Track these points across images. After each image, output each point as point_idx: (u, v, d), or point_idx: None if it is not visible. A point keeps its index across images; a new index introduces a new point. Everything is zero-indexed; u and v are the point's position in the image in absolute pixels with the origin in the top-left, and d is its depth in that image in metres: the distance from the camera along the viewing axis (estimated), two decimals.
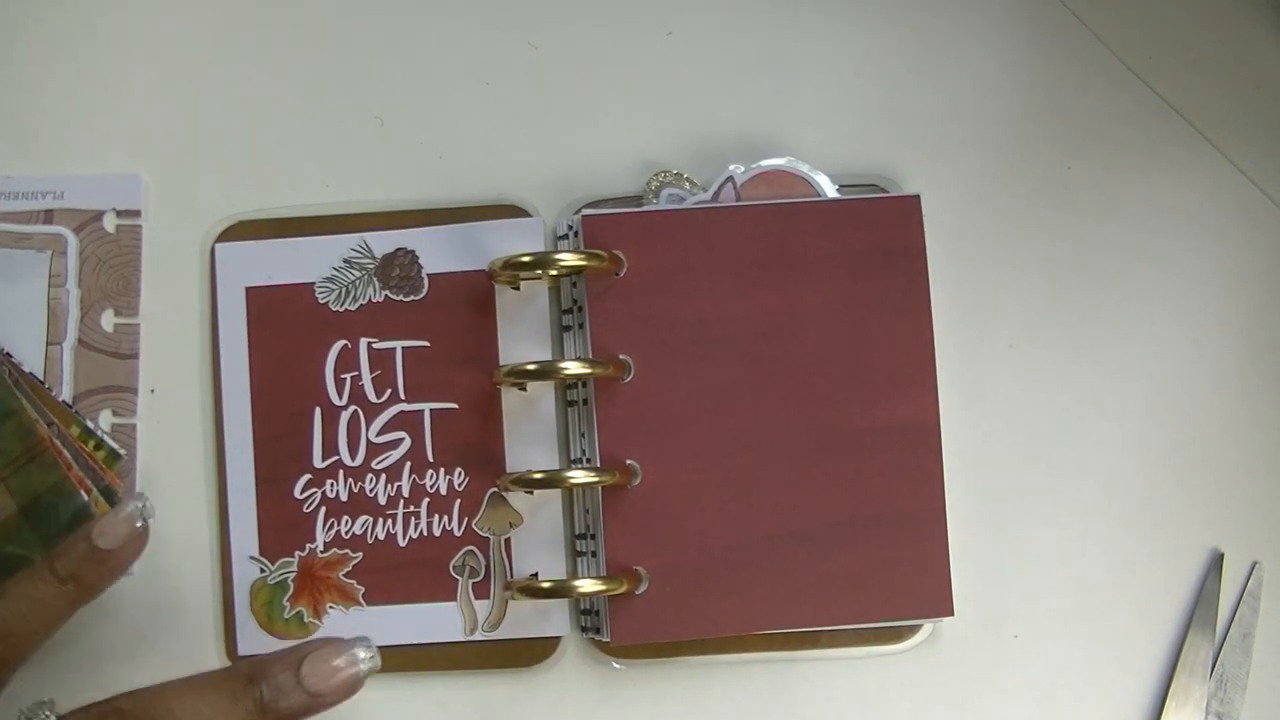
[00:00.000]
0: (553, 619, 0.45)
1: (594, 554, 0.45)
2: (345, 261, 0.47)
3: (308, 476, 0.46)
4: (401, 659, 0.45)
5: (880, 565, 0.44)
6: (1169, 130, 0.49)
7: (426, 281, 0.47)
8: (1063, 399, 0.47)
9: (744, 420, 0.44)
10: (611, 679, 0.46)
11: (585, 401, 0.45)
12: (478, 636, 0.45)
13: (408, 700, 0.45)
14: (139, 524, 0.40)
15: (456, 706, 0.45)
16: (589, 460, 0.45)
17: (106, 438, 0.46)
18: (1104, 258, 0.48)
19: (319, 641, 0.39)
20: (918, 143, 0.48)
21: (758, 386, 0.45)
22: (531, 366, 0.44)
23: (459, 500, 0.46)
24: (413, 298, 0.47)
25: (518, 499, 0.46)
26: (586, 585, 0.43)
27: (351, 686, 0.39)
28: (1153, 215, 0.48)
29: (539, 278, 0.46)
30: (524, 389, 0.46)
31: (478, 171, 0.48)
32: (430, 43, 0.48)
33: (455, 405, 0.46)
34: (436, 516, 0.46)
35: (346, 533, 0.46)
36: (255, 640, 0.45)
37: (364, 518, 0.46)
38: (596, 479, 0.43)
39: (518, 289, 0.46)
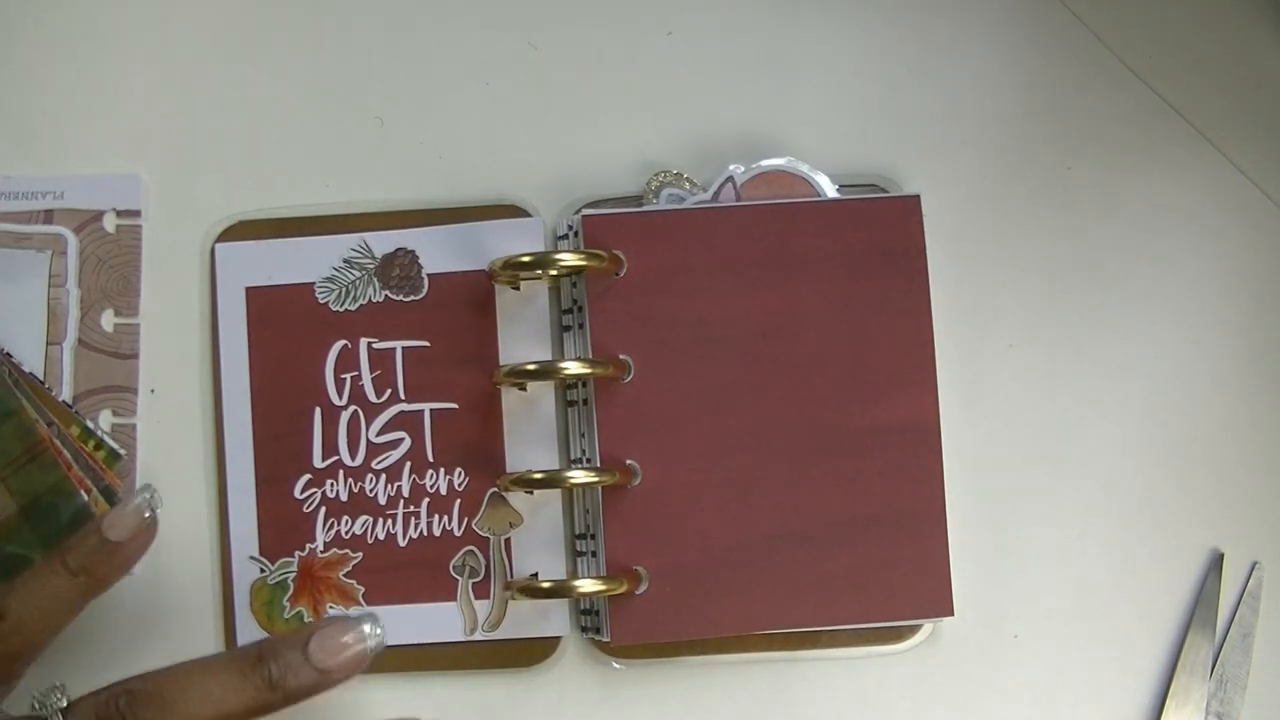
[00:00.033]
0: (553, 619, 0.45)
1: (594, 554, 0.45)
2: (345, 261, 0.47)
3: (308, 476, 0.46)
4: (401, 659, 0.45)
5: (880, 565, 0.44)
6: (1169, 130, 0.49)
7: (426, 281, 0.47)
8: (1063, 399, 0.47)
9: (744, 420, 0.44)
10: (611, 679, 0.46)
11: (585, 401, 0.45)
12: (478, 636, 0.45)
13: (408, 700, 0.45)
14: (148, 514, 0.40)
15: (456, 706, 0.45)
16: (589, 460, 0.45)
17: (106, 438, 0.46)
18: (1104, 258, 0.48)
19: (326, 620, 0.40)
20: (918, 143, 0.48)
21: (758, 386, 0.45)
22: (531, 366, 0.44)
23: (459, 500, 0.46)
24: (413, 298, 0.47)
25: (518, 499, 0.46)
26: (586, 585, 0.43)
27: (359, 662, 0.38)
28: (1153, 215, 0.48)
29: (539, 278, 0.46)
30: (524, 389, 0.46)
31: (478, 171, 0.48)
32: (430, 43, 0.48)
33: (455, 405, 0.46)
34: (436, 516, 0.46)
35: (346, 533, 0.46)
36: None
37: (364, 518, 0.46)
38: (596, 479, 0.43)
39: (518, 289, 0.46)
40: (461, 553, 0.46)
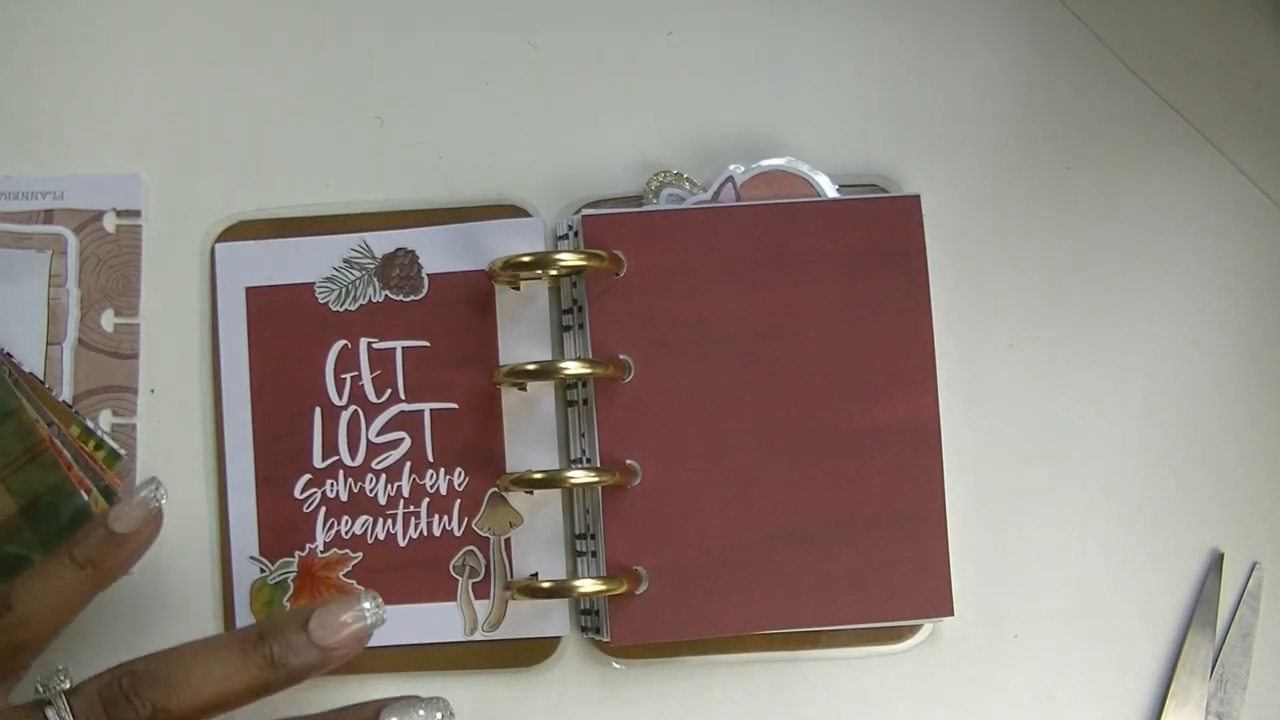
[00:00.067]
0: (553, 619, 0.45)
1: (594, 554, 0.45)
2: (345, 261, 0.47)
3: (308, 476, 0.46)
4: (401, 659, 0.45)
5: (880, 565, 0.44)
6: (1169, 130, 0.49)
7: (426, 281, 0.47)
8: (1063, 399, 0.47)
9: (744, 420, 0.44)
10: (611, 679, 0.46)
11: (585, 401, 0.45)
12: (478, 636, 0.45)
13: None
14: (153, 507, 0.41)
15: (456, 706, 0.45)
16: (589, 460, 0.45)
17: (106, 438, 0.46)
18: (1104, 258, 0.48)
19: (326, 599, 0.40)
20: (918, 143, 0.48)
21: (758, 386, 0.45)
22: (531, 366, 0.44)
23: (459, 500, 0.46)
24: (413, 298, 0.47)
25: (518, 499, 0.46)
26: (586, 585, 0.43)
27: (359, 640, 0.39)
28: (1153, 215, 0.48)
29: (539, 278, 0.46)
30: (524, 389, 0.46)
31: (478, 171, 0.48)
32: (430, 43, 0.48)
33: (455, 405, 0.46)
34: (436, 516, 0.46)
35: (346, 533, 0.46)
36: None
37: (364, 518, 0.46)
38: (596, 479, 0.43)
39: (518, 289, 0.46)
40: (461, 553, 0.46)
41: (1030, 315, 0.48)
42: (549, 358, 0.46)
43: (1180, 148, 0.49)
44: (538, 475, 0.43)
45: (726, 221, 0.45)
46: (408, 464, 0.46)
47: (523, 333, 0.46)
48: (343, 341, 0.46)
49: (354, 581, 0.46)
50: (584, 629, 0.46)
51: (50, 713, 0.37)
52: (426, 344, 0.46)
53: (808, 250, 0.45)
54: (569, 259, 0.44)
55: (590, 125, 0.48)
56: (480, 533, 0.46)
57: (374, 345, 0.46)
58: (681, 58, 0.49)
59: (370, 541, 0.46)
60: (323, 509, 0.46)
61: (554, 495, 0.46)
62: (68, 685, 0.38)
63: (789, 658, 0.46)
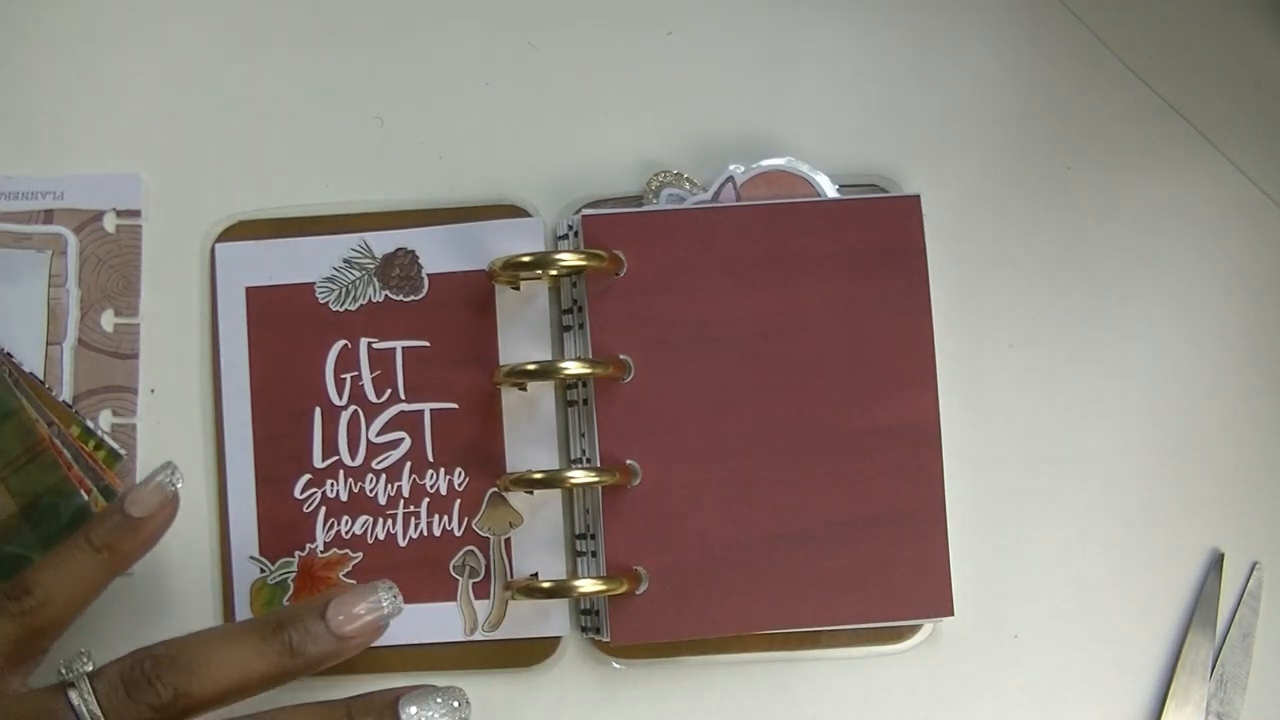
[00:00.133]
0: (553, 619, 0.45)
1: (594, 554, 0.45)
2: (345, 261, 0.47)
3: (308, 476, 0.46)
4: (402, 659, 0.45)
5: (880, 565, 0.44)
6: (1169, 130, 0.49)
7: (426, 281, 0.47)
8: (1063, 399, 0.47)
9: (744, 420, 0.44)
10: (611, 679, 0.46)
11: (585, 401, 0.45)
12: (478, 636, 0.45)
13: None
14: (169, 490, 0.41)
15: None
16: (589, 460, 0.45)
17: (106, 438, 0.46)
18: (1104, 258, 0.48)
19: (343, 588, 0.41)
20: (918, 143, 0.48)
21: (758, 386, 0.45)
22: (531, 366, 0.44)
23: (459, 500, 0.46)
24: (413, 298, 0.47)
25: (518, 499, 0.46)
26: (586, 585, 0.43)
27: (376, 629, 0.40)
28: (1153, 215, 0.48)
29: (539, 278, 0.46)
30: (524, 389, 0.46)
31: (478, 171, 0.48)
32: (430, 43, 0.48)
33: (455, 405, 0.46)
34: (436, 516, 0.46)
35: (346, 533, 0.46)
36: None
37: (364, 518, 0.46)
38: (596, 479, 0.43)
39: (518, 289, 0.46)
40: (461, 553, 0.46)
41: (1030, 315, 0.48)
42: (549, 358, 0.46)
43: (1180, 148, 0.49)
44: (538, 475, 0.43)
45: (726, 221, 0.45)
46: (408, 464, 0.46)
47: (523, 333, 0.46)
48: (343, 341, 0.46)
49: (354, 582, 0.46)
50: (584, 629, 0.46)
51: (73, 694, 0.38)
52: (426, 344, 0.46)
53: (808, 250, 0.45)
54: (569, 259, 0.44)
55: (590, 125, 0.48)
56: (480, 533, 0.46)
57: (374, 345, 0.46)
58: (681, 58, 0.49)
59: (370, 541, 0.46)
60: (323, 509, 0.46)
61: (554, 495, 0.46)
62: (90, 668, 0.39)
63: (789, 658, 0.46)
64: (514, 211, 0.47)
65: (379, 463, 0.46)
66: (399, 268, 0.47)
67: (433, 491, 0.46)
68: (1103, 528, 0.47)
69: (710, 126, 0.48)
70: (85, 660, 0.39)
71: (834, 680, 0.46)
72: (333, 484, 0.46)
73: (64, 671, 0.39)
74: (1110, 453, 0.47)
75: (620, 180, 0.48)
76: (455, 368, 0.46)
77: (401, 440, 0.46)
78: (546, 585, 0.43)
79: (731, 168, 0.46)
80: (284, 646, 0.39)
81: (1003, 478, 0.47)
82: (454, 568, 0.46)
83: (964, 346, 0.47)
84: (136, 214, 0.47)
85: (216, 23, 0.48)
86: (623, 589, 0.43)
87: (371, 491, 0.46)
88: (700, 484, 0.44)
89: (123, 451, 0.46)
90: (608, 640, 0.44)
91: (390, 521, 0.46)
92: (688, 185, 0.47)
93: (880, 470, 0.44)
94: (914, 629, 0.46)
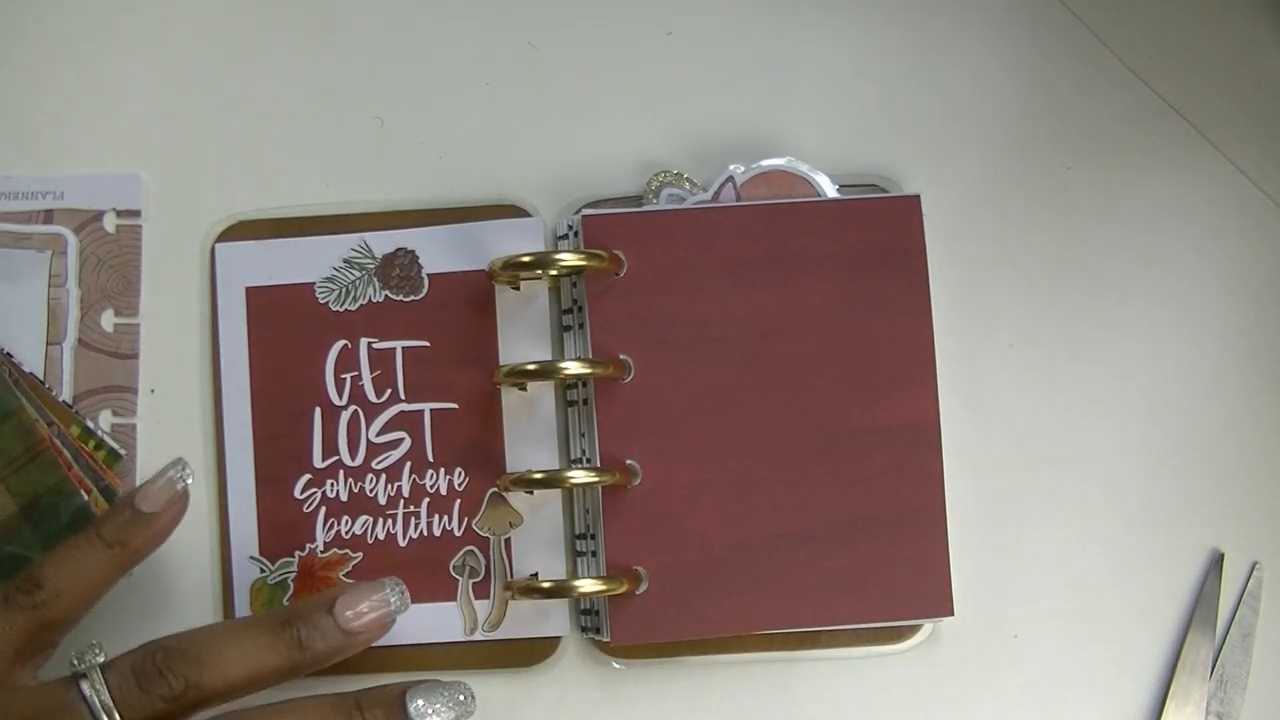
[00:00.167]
0: (553, 619, 0.45)
1: (594, 554, 0.45)
2: (345, 261, 0.47)
3: (308, 476, 0.46)
4: (402, 659, 0.45)
5: (880, 565, 0.44)
6: (1169, 130, 0.49)
7: (426, 281, 0.47)
8: (1063, 399, 0.47)
9: (744, 420, 0.44)
10: (611, 679, 0.46)
11: (585, 401, 0.45)
12: (478, 636, 0.45)
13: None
14: (179, 486, 0.41)
15: None
16: (589, 460, 0.45)
17: (106, 438, 0.46)
18: (1104, 258, 0.48)
19: (351, 584, 0.42)
20: (918, 143, 0.48)
21: (758, 386, 0.45)
22: (531, 366, 0.44)
23: (459, 500, 0.46)
24: (413, 298, 0.47)
25: (518, 499, 0.46)
26: (586, 585, 0.43)
27: (383, 625, 0.41)
28: (1153, 215, 0.48)
29: (539, 278, 0.46)
30: (524, 389, 0.46)
31: (478, 171, 0.48)
32: (430, 43, 0.48)
33: (455, 405, 0.46)
34: (436, 516, 0.46)
35: (346, 533, 0.46)
36: None
37: (364, 518, 0.46)
38: (596, 479, 0.43)
39: (518, 289, 0.46)
40: (461, 553, 0.46)
41: (1030, 315, 0.48)
42: (549, 358, 0.46)
43: (1180, 148, 0.49)
44: (538, 475, 0.43)
45: (726, 221, 0.45)
46: (408, 464, 0.46)
47: (523, 333, 0.46)
48: (343, 341, 0.46)
49: (354, 582, 0.46)
50: (584, 629, 0.46)
51: (85, 685, 0.38)
52: (426, 344, 0.46)
53: (808, 250, 0.45)
54: (569, 259, 0.44)
55: (590, 125, 0.48)
56: (480, 533, 0.46)
57: (374, 345, 0.46)
58: (681, 58, 0.49)
59: (370, 541, 0.46)
60: (323, 509, 0.46)
61: (554, 495, 0.46)
62: (102, 659, 0.39)
63: (789, 658, 0.46)
64: (514, 211, 0.47)
65: (379, 463, 0.46)
66: (399, 268, 0.47)
67: (433, 491, 0.46)
68: (1103, 528, 0.47)
69: (710, 126, 0.48)
70: (97, 652, 0.39)
71: (834, 680, 0.46)
72: (333, 484, 0.46)
73: (76, 663, 0.39)
74: (1110, 453, 0.47)
75: (620, 180, 0.48)
76: (455, 368, 0.46)
77: (401, 440, 0.46)
78: (546, 585, 0.43)
79: (731, 168, 0.46)
80: (292, 641, 0.39)
81: (1003, 478, 0.47)
82: (454, 568, 0.46)
83: (964, 346, 0.47)
84: (136, 214, 0.47)
85: (216, 23, 0.48)
86: (623, 589, 0.43)
87: (371, 491, 0.46)
88: (700, 484, 0.44)
89: (123, 451, 0.46)
90: (608, 640, 0.44)
91: (390, 521, 0.46)
92: (688, 185, 0.47)
93: (880, 470, 0.44)
94: (914, 629, 0.46)
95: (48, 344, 0.46)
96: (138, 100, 0.48)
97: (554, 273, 0.45)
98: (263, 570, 0.46)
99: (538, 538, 0.46)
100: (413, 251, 0.47)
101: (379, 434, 0.46)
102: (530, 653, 0.46)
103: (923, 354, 0.45)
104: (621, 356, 0.45)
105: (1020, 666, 0.46)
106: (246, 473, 0.46)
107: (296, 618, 0.40)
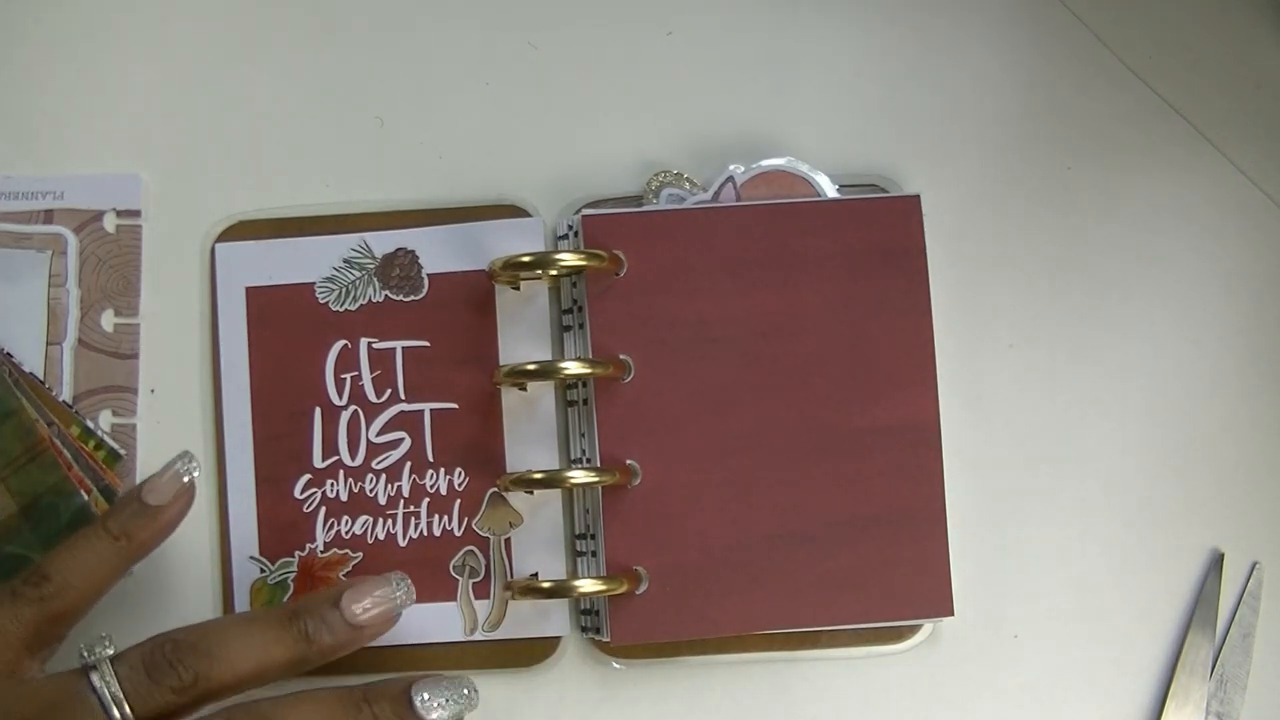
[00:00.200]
0: (553, 619, 0.45)
1: (594, 554, 0.45)
2: (345, 261, 0.47)
3: (308, 476, 0.46)
4: (402, 659, 0.45)
5: (880, 565, 0.44)
6: (1169, 130, 0.49)
7: (426, 281, 0.47)
8: (1063, 399, 0.47)
9: (744, 420, 0.44)
10: (611, 679, 0.46)
11: (585, 401, 0.45)
12: (478, 636, 0.45)
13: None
14: (186, 479, 0.42)
15: None
16: (589, 460, 0.45)
17: (106, 438, 0.46)
18: (1104, 258, 0.48)
19: (355, 579, 0.42)
20: (918, 143, 0.48)
21: (758, 386, 0.45)
22: (531, 366, 0.44)
23: (459, 500, 0.46)
24: (413, 298, 0.47)
25: (518, 499, 0.46)
26: (586, 585, 0.43)
27: (389, 619, 0.41)
28: (1153, 215, 0.48)
29: (539, 278, 0.46)
30: (524, 389, 0.46)
31: (478, 171, 0.48)
32: (430, 43, 0.48)
33: (455, 405, 0.46)
34: (436, 516, 0.46)
35: (346, 533, 0.46)
36: None
37: (364, 518, 0.46)
38: (596, 479, 0.43)
39: (518, 289, 0.46)
40: (461, 553, 0.46)
41: (1030, 315, 0.48)
42: (549, 358, 0.46)
43: (1180, 148, 0.49)
44: (538, 475, 0.43)
45: (726, 221, 0.45)
46: (408, 464, 0.46)
47: (523, 333, 0.46)
48: (343, 341, 0.46)
49: (359, 577, 0.46)
50: (584, 629, 0.46)
51: (94, 677, 0.38)
52: (426, 344, 0.46)
53: (808, 250, 0.45)
54: (569, 259, 0.44)
55: (590, 125, 0.48)
56: (480, 533, 0.46)
57: (374, 345, 0.46)
58: (681, 58, 0.49)
59: (370, 541, 0.46)
60: (323, 509, 0.46)
61: (554, 495, 0.46)
62: (111, 651, 0.39)
63: (789, 658, 0.46)
64: (514, 211, 0.47)
65: (379, 463, 0.46)
66: (399, 268, 0.47)
67: (433, 491, 0.46)
68: (1103, 528, 0.47)
69: (710, 126, 0.48)
70: (107, 644, 0.39)
71: (834, 680, 0.46)
72: (333, 484, 0.46)
73: (86, 655, 0.39)
74: (1110, 453, 0.47)
75: (620, 180, 0.48)
76: (455, 368, 0.46)
77: (401, 440, 0.46)
78: (546, 585, 0.43)
79: (731, 168, 0.46)
80: (300, 634, 0.40)
81: (1003, 478, 0.47)
82: (454, 568, 0.46)
83: (964, 346, 0.47)
84: (136, 214, 0.47)
85: (216, 23, 0.48)
86: (623, 589, 0.43)
87: (371, 491, 0.46)
88: (700, 484, 0.44)
89: (123, 451, 0.46)
90: (608, 640, 0.44)
91: (390, 521, 0.46)
92: (688, 185, 0.47)
93: (880, 470, 0.44)
94: (914, 629, 0.46)
95: (48, 344, 0.46)
96: (138, 100, 0.48)
97: (554, 273, 0.45)
98: (263, 570, 0.46)
99: (538, 538, 0.46)
100: (413, 251, 0.47)
101: (379, 434, 0.46)
102: (530, 653, 0.46)
103: (923, 354, 0.45)
104: (621, 356, 0.45)
105: (1020, 666, 0.46)
106: (246, 473, 0.46)
107: (304, 612, 0.40)
